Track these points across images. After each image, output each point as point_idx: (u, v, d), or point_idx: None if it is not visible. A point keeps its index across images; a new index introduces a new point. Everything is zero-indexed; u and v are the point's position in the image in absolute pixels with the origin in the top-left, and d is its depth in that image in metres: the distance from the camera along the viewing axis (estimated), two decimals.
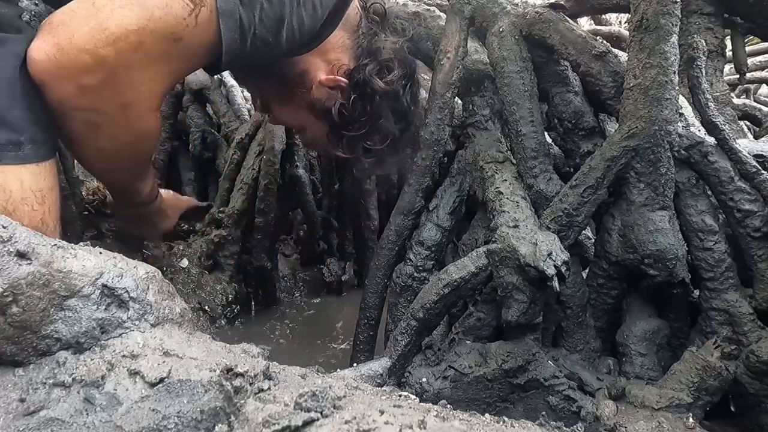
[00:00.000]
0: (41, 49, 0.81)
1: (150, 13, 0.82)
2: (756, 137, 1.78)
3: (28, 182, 0.82)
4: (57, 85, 0.83)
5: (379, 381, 0.84)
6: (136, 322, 0.63)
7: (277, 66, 1.11)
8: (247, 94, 1.91)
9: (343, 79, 1.15)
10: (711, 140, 0.94)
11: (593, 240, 1.06)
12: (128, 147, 0.97)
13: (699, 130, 0.97)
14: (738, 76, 1.48)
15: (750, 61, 2.87)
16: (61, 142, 0.97)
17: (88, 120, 0.88)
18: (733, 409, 0.90)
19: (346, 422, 0.51)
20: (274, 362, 0.66)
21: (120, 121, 0.90)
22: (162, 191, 1.33)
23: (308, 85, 1.15)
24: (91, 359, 0.58)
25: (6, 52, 0.82)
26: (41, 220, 0.84)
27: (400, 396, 0.63)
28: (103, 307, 0.61)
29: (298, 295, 1.79)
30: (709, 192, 0.95)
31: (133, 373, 0.56)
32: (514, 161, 1.07)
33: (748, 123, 1.95)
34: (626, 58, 0.92)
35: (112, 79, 0.84)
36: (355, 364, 0.94)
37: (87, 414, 0.53)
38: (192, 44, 0.89)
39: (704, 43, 1.02)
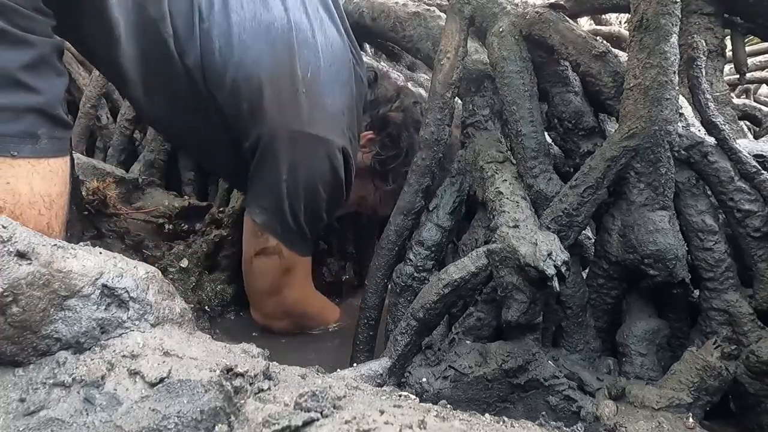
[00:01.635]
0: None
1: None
2: (756, 137, 1.78)
3: (38, 186, 0.83)
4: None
5: (379, 381, 0.84)
6: (136, 322, 0.63)
7: None
8: None
9: (368, 133, 1.40)
10: (711, 140, 0.94)
11: (593, 240, 1.06)
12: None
13: (699, 130, 0.97)
14: (738, 76, 1.48)
15: (750, 61, 2.87)
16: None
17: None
18: (733, 409, 0.90)
19: (346, 422, 0.51)
20: (274, 362, 0.66)
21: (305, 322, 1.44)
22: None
23: None
24: (91, 359, 0.58)
25: (29, 53, 0.83)
26: (47, 225, 0.85)
27: (400, 396, 0.63)
28: (103, 307, 0.61)
29: None
30: (709, 192, 0.95)
31: (133, 373, 0.56)
32: (514, 161, 1.07)
33: (748, 123, 1.95)
34: (626, 58, 0.92)
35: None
36: (355, 364, 0.94)
37: (87, 414, 0.53)
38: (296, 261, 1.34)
39: (704, 43, 1.02)
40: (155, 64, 1.14)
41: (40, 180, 0.84)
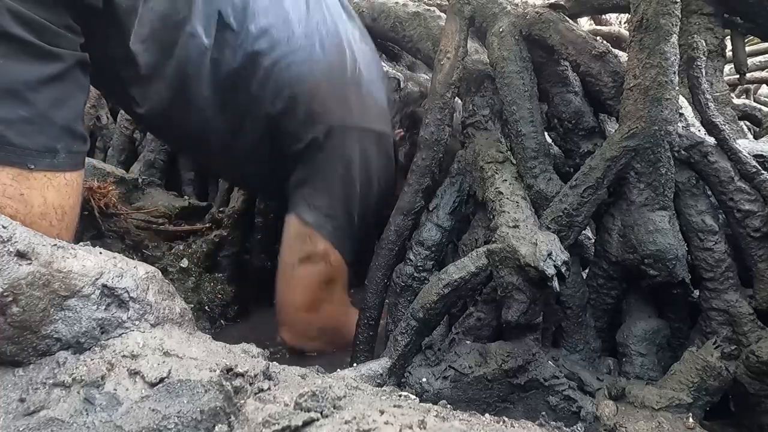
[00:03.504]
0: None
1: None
2: (756, 137, 1.78)
3: (52, 198, 0.84)
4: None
5: (379, 381, 0.84)
6: (136, 322, 0.63)
7: None
8: None
9: (399, 131, 1.40)
10: (711, 140, 0.94)
11: (593, 240, 1.06)
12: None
13: (699, 130, 0.97)
14: (738, 76, 1.48)
15: (750, 61, 2.87)
16: None
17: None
18: (733, 409, 0.90)
19: (346, 422, 0.51)
20: (274, 362, 0.66)
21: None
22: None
23: None
24: (91, 359, 0.58)
25: (54, 67, 0.84)
26: (56, 236, 0.85)
27: (400, 396, 0.63)
28: (103, 307, 0.61)
29: None
30: (709, 192, 0.95)
31: (133, 373, 0.56)
32: (514, 161, 1.07)
33: (748, 123, 1.94)
34: (626, 58, 0.92)
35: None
36: (355, 364, 0.94)
37: (87, 414, 0.53)
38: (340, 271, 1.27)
39: (704, 43, 1.02)
40: (189, 79, 1.11)
41: (55, 192, 0.84)
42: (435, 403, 0.63)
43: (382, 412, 0.52)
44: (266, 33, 1.15)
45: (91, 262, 0.62)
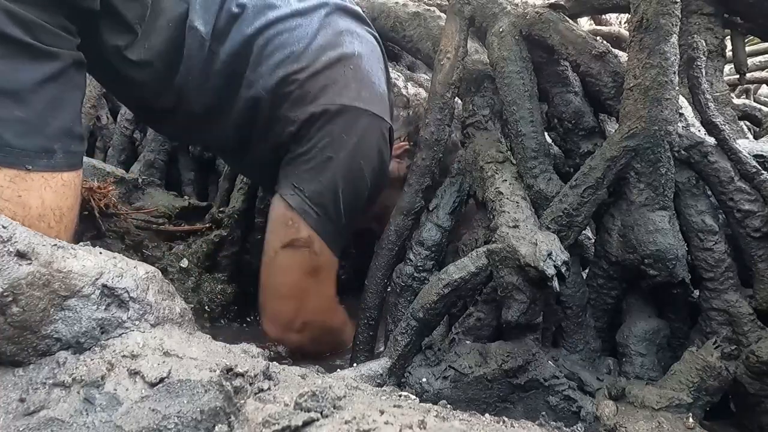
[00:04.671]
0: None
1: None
2: (756, 137, 1.78)
3: (49, 200, 0.84)
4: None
5: (379, 381, 0.84)
6: (136, 322, 0.63)
7: None
8: None
9: (404, 143, 1.34)
10: (711, 140, 0.94)
11: (593, 240, 1.06)
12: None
13: (699, 130, 0.97)
14: (738, 76, 1.48)
15: (750, 61, 2.87)
16: None
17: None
18: (733, 409, 0.90)
19: (346, 422, 0.51)
20: (274, 362, 0.66)
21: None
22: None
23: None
24: (91, 359, 0.58)
25: (50, 67, 0.84)
26: (55, 237, 0.85)
27: (400, 396, 0.63)
28: (103, 307, 0.61)
29: None
30: (709, 192, 0.95)
31: (133, 373, 0.56)
32: (514, 161, 1.07)
33: (748, 123, 1.94)
34: (626, 58, 0.92)
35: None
36: (355, 364, 0.94)
37: (87, 414, 0.53)
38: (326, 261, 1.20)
39: (704, 43, 1.02)
40: (193, 64, 1.10)
41: (52, 194, 0.84)
42: (435, 403, 0.63)
43: (382, 412, 0.52)
44: (262, 12, 1.13)
45: (91, 262, 0.62)
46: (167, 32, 1.05)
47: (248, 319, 1.58)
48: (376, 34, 1.34)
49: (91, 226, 1.38)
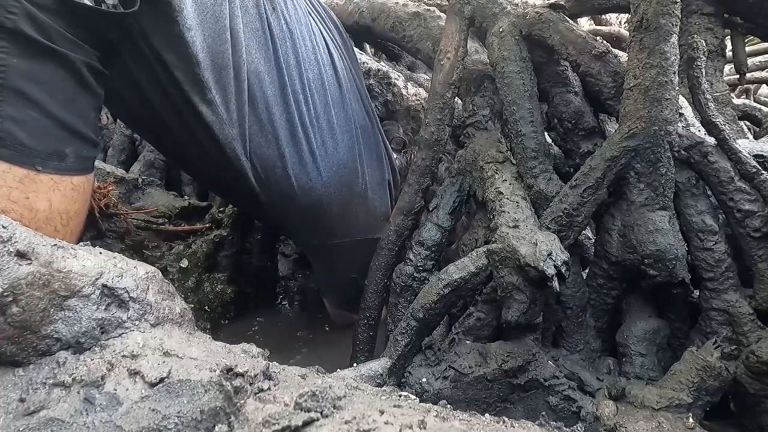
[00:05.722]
0: None
1: None
2: (756, 137, 1.78)
3: (57, 203, 0.83)
4: None
5: (379, 381, 0.84)
6: (136, 322, 0.63)
7: None
8: None
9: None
10: (711, 140, 0.94)
11: (593, 240, 1.06)
12: None
13: (699, 130, 0.97)
14: (738, 76, 1.48)
15: (750, 61, 2.87)
16: None
17: None
18: (733, 409, 0.90)
19: (346, 422, 0.51)
20: (274, 362, 0.66)
21: None
22: None
23: None
24: (91, 359, 0.58)
25: (67, 71, 0.84)
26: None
27: (400, 396, 0.63)
28: (103, 307, 0.61)
29: (297, 295, 1.79)
30: (709, 192, 0.95)
31: (133, 373, 0.56)
32: (514, 161, 1.07)
33: (748, 123, 1.94)
34: (626, 58, 0.92)
35: None
36: (355, 364, 0.94)
37: (87, 414, 0.53)
38: None
39: (704, 43, 1.02)
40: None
41: (61, 197, 0.83)
42: (435, 403, 0.63)
43: (382, 412, 0.52)
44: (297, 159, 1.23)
45: (91, 262, 0.62)
46: None
47: (248, 319, 1.58)
48: (364, 94, 1.51)
49: (91, 226, 1.38)
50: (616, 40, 2.24)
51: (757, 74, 2.89)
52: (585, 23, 2.65)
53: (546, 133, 1.09)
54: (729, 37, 1.33)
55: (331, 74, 1.34)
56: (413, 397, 0.64)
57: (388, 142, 1.53)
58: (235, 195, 1.35)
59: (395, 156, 1.53)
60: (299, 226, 1.32)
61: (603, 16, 2.63)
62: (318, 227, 1.31)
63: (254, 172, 1.17)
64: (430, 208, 1.13)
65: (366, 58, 1.67)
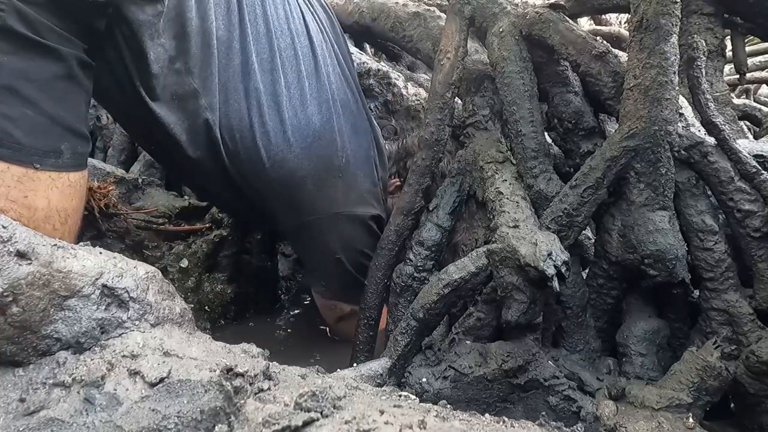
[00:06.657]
0: None
1: None
2: (756, 137, 1.78)
3: (56, 201, 0.83)
4: None
5: (379, 381, 0.84)
6: (136, 322, 0.63)
7: None
8: None
9: (396, 180, 1.48)
10: (711, 140, 0.94)
11: (593, 240, 1.06)
12: None
13: (699, 130, 0.97)
14: (738, 76, 1.48)
15: (750, 61, 2.87)
16: None
17: None
18: (733, 409, 0.90)
19: (346, 422, 0.51)
20: (274, 362, 0.66)
21: None
22: None
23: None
24: (91, 359, 0.58)
25: (58, 66, 0.84)
26: (59, 239, 0.85)
27: (400, 396, 0.63)
28: (103, 307, 0.61)
29: (297, 295, 1.79)
30: (709, 192, 0.95)
31: (133, 373, 0.56)
32: (514, 161, 1.07)
33: (748, 123, 1.95)
34: (626, 58, 0.92)
35: None
36: (355, 364, 0.94)
37: (87, 414, 0.53)
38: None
39: (704, 43, 1.02)
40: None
41: (59, 194, 0.84)
42: (435, 403, 0.63)
43: (382, 412, 0.52)
44: (268, 130, 1.19)
45: (91, 262, 0.62)
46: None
47: (248, 319, 1.58)
48: (352, 77, 1.46)
49: (91, 226, 1.38)
50: (616, 40, 2.24)
51: (757, 74, 2.89)
52: (585, 23, 2.65)
53: (546, 133, 1.09)
54: (729, 37, 1.33)
55: (306, 44, 1.31)
56: (413, 397, 0.64)
57: (375, 123, 1.49)
58: (207, 179, 1.28)
59: (384, 143, 1.49)
60: (275, 206, 1.28)
61: (603, 16, 2.63)
62: (294, 203, 1.26)
63: (224, 143, 1.15)
64: (430, 208, 1.13)
65: (366, 58, 1.67)
